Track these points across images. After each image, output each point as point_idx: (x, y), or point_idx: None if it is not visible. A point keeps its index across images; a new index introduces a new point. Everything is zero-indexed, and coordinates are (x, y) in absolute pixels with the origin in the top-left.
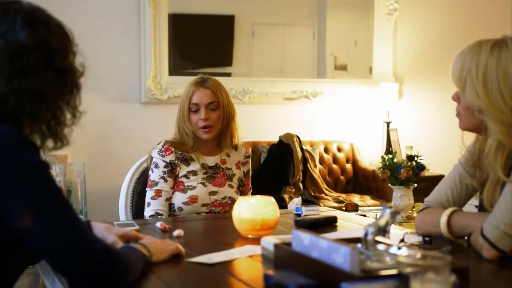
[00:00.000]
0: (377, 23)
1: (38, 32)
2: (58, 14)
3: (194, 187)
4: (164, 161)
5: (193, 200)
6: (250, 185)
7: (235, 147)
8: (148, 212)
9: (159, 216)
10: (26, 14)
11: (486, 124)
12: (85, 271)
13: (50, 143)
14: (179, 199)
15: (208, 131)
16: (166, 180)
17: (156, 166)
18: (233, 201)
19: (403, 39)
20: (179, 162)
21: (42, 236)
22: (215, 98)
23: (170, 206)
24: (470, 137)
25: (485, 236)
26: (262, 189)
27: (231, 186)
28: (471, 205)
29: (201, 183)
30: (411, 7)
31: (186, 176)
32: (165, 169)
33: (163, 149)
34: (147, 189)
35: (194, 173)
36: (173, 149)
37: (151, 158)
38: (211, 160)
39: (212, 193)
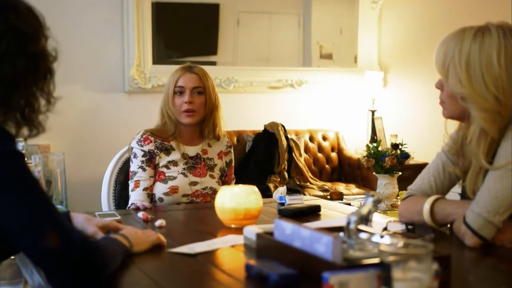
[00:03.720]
0: (362, 11)
1: (7, 17)
2: (40, 2)
3: (174, 178)
4: (142, 150)
5: (173, 190)
6: (233, 175)
7: (217, 137)
8: (128, 204)
9: (133, 205)
10: None
11: (469, 111)
12: (62, 262)
13: (25, 130)
14: (160, 189)
15: (191, 115)
16: (144, 169)
17: (135, 156)
18: (214, 191)
19: (388, 27)
20: (158, 152)
21: (18, 227)
22: (200, 83)
23: (151, 196)
24: (453, 125)
25: (467, 224)
26: (247, 178)
27: (212, 177)
28: (454, 193)
29: (181, 173)
30: None
31: (166, 166)
32: (143, 158)
33: (142, 138)
34: (129, 181)
35: (174, 163)
36: (152, 138)
37: (131, 148)
38: (191, 150)
39: (193, 183)
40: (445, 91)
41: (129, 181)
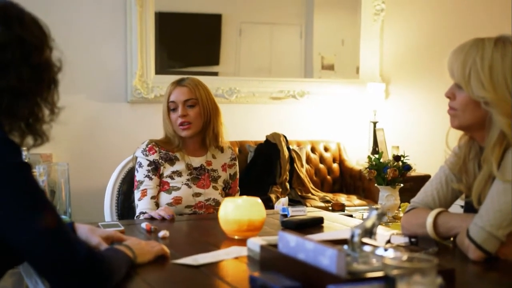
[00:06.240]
0: (364, 23)
1: (12, 27)
2: (44, 12)
3: (178, 188)
4: (147, 159)
5: (177, 201)
6: (238, 188)
7: (221, 149)
8: (137, 214)
9: (144, 215)
10: None
11: (491, 116)
12: (68, 273)
13: (29, 140)
14: (163, 199)
15: (186, 128)
16: (151, 178)
17: (140, 165)
18: (217, 203)
19: (390, 39)
20: (163, 162)
21: (24, 238)
22: (192, 95)
23: (156, 206)
24: (454, 140)
25: (471, 238)
26: (249, 188)
27: (215, 188)
28: (457, 205)
29: (185, 184)
30: (398, 7)
31: (170, 176)
32: (149, 168)
33: (147, 148)
34: (134, 190)
35: (178, 173)
36: (157, 148)
37: (136, 158)
38: (196, 161)
39: (196, 194)
40: (458, 99)
41: (135, 191)
